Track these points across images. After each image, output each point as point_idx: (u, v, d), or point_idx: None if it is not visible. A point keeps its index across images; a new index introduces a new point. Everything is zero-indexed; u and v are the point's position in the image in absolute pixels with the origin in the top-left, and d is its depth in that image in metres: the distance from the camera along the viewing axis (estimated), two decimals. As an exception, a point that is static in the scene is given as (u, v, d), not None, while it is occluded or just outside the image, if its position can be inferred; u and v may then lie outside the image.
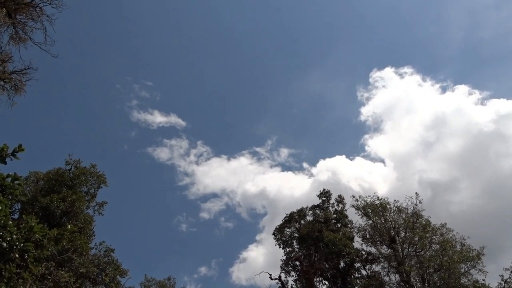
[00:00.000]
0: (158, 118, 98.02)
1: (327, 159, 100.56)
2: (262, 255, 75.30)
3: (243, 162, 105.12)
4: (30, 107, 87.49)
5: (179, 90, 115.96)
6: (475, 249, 30.25)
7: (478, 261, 29.56)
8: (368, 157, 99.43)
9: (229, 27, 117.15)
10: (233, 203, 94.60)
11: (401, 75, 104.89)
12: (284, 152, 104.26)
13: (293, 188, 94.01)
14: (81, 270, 21.42)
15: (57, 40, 22.49)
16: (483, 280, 29.14)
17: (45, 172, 31.68)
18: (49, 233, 7.60)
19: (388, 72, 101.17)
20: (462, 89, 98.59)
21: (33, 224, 7.12)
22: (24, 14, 21.72)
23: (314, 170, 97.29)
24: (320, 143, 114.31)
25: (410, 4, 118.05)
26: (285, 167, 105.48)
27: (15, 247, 6.66)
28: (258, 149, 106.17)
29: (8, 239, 6.63)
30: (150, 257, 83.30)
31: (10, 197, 7.39)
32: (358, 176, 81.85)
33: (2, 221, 6.68)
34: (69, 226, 7.89)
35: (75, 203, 28.61)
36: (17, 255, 6.69)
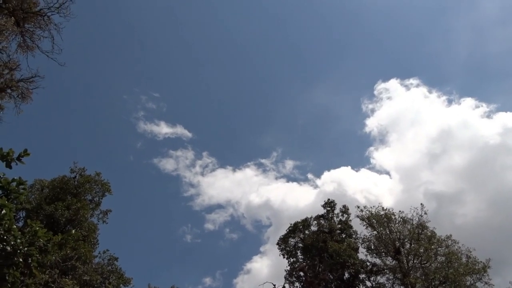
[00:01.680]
0: (164, 129, 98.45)
1: (332, 171, 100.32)
2: (267, 267, 74.80)
3: (248, 173, 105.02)
4: (37, 115, 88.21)
5: (185, 102, 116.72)
6: (481, 262, 29.95)
7: (484, 274, 29.25)
8: (373, 169, 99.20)
9: (236, 39, 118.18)
10: (238, 215, 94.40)
11: (407, 87, 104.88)
12: (290, 164, 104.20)
13: (298, 199, 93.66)
14: (84, 278, 21.37)
15: (64, 49, 22.78)
16: (489, 293, 28.85)
17: (50, 180, 31.78)
18: (53, 238, 7.59)
19: (394, 83, 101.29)
20: (469, 102, 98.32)
21: (37, 228, 7.13)
22: (32, 23, 22.02)
23: (319, 182, 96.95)
24: (325, 156, 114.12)
25: (416, 20, 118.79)
26: (290, 179, 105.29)
27: (19, 251, 6.66)
28: (263, 160, 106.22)
29: (12, 243, 6.64)
30: (155, 267, 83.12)
31: (15, 201, 7.41)
32: (363, 188, 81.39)
33: (6, 225, 6.69)
34: (73, 231, 7.88)
35: (79, 211, 28.65)
36: (21, 260, 6.69)
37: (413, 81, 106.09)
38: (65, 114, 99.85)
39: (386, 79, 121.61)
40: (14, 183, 7.35)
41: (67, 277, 17.88)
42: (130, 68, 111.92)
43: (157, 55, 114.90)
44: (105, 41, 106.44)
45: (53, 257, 7.35)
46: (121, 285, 26.56)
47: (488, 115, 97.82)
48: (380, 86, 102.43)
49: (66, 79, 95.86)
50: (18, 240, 6.70)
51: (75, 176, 32.00)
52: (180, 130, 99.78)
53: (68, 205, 28.79)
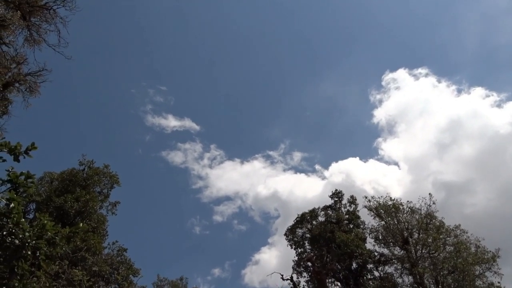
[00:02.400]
0: (172, 122, 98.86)
1: (340, 162, 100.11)
2: (275, 257, 75.25)
3: (256, 165, 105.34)
4: (45, 109, 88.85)
5: (193, 95, 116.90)
6: (490, 251, 29.80)
7: (494, 263, 29.12)
8: (382, 160, 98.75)
9: (243, 32, 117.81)
10: (246, 206, 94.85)
11: (416, 76, 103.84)
12: (297, 155, 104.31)
13: (306, 190, 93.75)
14: (94, 269, 21.64)
15: (71, 43, 22.80)
16: (499, 282, 28.72)
17: (59, 173, 32.08)
18: (61, 231, 7.68)
19: (402, 73, 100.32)
20: (479, 91, 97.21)
21: (45, 222, 7.21)
22: (38, 17, 22.05)
23: (327, 173, 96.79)
24: (333, 147, 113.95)
25: (425, 10, 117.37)
26: (298, 171, 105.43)
27: (27, 244, 6.75)
28: (271, 152, 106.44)
29: (21, 236, 6.74)
30: (164, 258, 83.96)
31: (24, 195, 7.50)
32: (372, 179, 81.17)
33: (15, 219, 6.79)
34: (81, 224, 7.96)
35: (88, 203, 28.93)
36: (29, 252, 6.78)
37: (421, 70, 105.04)
38: (73, 108, 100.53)
39: (394, 69, 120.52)
40: (23, 177, 7.44)
41: (77, 268, 18.12)
42: (137, 62, 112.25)
43: (164, 49, 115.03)
44: (112, 35, 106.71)
45: (62, 250, 7.43)
46: (131, 275, 26.89)
47: (499, 105, 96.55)
48: (388, 76, 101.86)
49: (73, 73, 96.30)
50: (27, 234, 6.80)
51: (84, 169, 32.25)
52: (188, 123, 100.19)
53: (77, 197, 29.08)
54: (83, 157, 32.60)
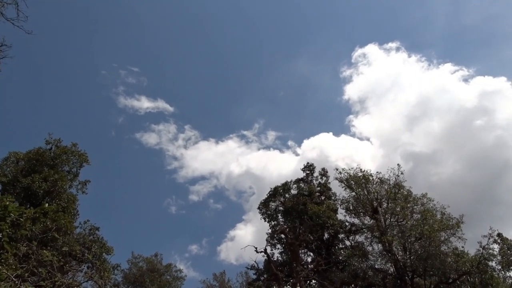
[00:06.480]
0: (145, 104, 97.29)
1: (312, 138, 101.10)
2: (251, 233, 76.26)
3: (231, 145, 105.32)
4: (8, 87, 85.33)
5: (166, 76, 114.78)
6: (455, 218, 30.96)
7: (458, 229, 30.25)
8: (354, 136, 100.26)
9: (216, 13, 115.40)
10: (221, 185, 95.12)
11: (387, 50, 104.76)
12: (272, 134, 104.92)
13: (280, 167, 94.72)
14: (64, 249, 21.36)
15: (35, 18, 21.61)
16: (462, 247, 30.02)
17: (25, 152, 31.11)
18: (25, 212, 7.47)
19: (372, 48, 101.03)
20: (448, 67, 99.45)
21: (7, 203, 7.00)
22: (-7, -12, 20.85)
23: (300, 150, 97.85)
24: (307, 126, 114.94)
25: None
26: (273, 148, 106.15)
27: (-12, 226, 6.56)
28: (245, 132, 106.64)
29: (-19, 218, 6.53)
30: (140, 238, 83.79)
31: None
32: (345, 156, 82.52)
33: (-26, 201, 6.56)
34: (46, 205, 7.76)
35: (57, 183, 28.28)
36: (-9, 235, 6.60)
37: (392, 44, 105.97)
38: (40, 89, 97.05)
39: (364, 44, 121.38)
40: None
41: (47, 248, 17.81)
42: (107, 42, 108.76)
43: (135, 29, 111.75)
44: (80, 13, 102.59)
45: (27, 231, 7.25)
46: (104, 253, 26.70)
47: (466, 79, 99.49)
48: (358, 52, 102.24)
49: (38, 51, 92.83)
50: (-13, 216, 6.60)
51: (51, 148, 31.37)
52: (161, 104, 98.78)
53: (45, 176, 28.36)
54: (50, 136, 31.71)
